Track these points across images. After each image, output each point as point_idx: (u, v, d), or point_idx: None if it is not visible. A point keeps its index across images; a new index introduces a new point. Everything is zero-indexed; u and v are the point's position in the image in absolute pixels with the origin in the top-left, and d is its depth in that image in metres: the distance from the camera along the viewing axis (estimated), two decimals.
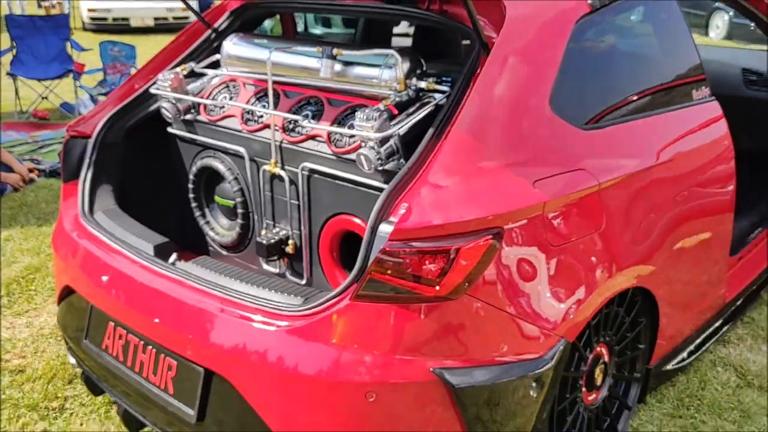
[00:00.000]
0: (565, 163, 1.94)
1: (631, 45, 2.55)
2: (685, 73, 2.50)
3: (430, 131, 1.83)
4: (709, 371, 2.73)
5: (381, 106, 1.97)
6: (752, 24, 3.24)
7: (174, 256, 2.15)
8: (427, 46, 2.68)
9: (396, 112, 2.01)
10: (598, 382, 2.19)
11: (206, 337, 1.87)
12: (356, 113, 1.95)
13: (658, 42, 2.60)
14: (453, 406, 1.71)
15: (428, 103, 2.04)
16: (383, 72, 2.07)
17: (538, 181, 1.83)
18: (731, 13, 8.64)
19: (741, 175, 3.82)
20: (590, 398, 2.19)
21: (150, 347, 2.02)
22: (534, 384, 1.80)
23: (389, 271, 1.64)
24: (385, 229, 1.66)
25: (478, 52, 1.94)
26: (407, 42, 2.94)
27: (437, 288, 1.65)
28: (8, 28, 6.79)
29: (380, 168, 1.90)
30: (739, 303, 3.04)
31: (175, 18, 12.28)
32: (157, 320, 1.99)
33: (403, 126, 1.96)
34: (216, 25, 2.72)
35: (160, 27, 12.07)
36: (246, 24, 2.72)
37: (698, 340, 2.72)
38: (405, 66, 2.05)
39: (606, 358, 2.21)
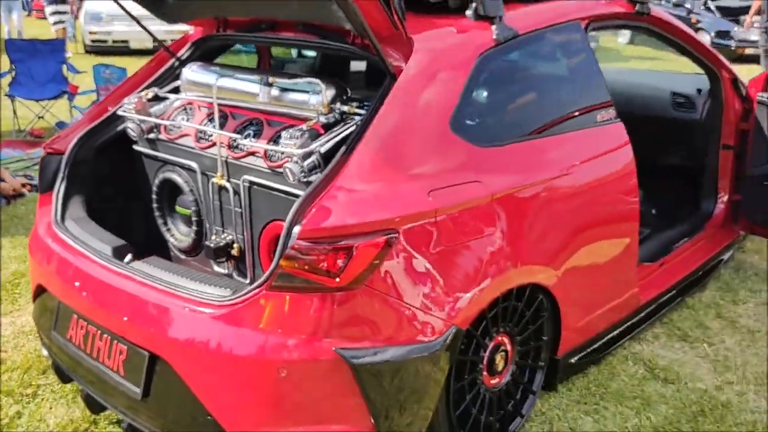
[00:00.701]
0: (462, 176, 2.25)
1: (534, 74, 2.86)
2: (587, 98, 2.81)
3: (342, 148, 2.15)
4: (620, 364, 3.02)
5: (304, 126, 2.30)
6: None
7: (129, 256, 2.46)
8: (371, 74, 3.01)
9: (322, 131, 2.34)
10: (500, 368, 2.48)
11: (150, 324, 2.19)
12: (282, 132, 2.28)
13: (561, 71, 2.91)
14: (354, 382, 2.01)
15: (350, 124, 2.36)
16: (311, 97, 2.39)
17: (433, 191, 2.14)
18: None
19: (670, 190, 4.15)
20: (493, 382, 2.49)
21: (105, 335, 2.33)
22: (428, 364, 2.10)
23: (297, 265, 1.96)
24: (297, 230, 1.98)
25: (389, 81, 2.27)
26: None
27: (338, 280, 1.96)
28: (8, 51, 7.18)
29: (304, 179, 2.21)
30: (657, 305, 3.33)
31: (173, 41, 12.67)
32: (111, 311, 2.30)
33: (324, 144, 2.28)
34: (179, 54, 3.06)
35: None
36: (206, 54, 3.06)
37: (610, 337, 3.02)
38: (329, 92, 2.38)
39: (508, 347, 2.51)
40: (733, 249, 4.03)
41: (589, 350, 2.90)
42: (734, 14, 11.55)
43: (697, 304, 3.53)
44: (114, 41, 12.25)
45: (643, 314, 3.23)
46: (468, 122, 2.35)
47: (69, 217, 2.73)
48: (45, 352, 2.77)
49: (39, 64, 7.30)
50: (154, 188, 2.88)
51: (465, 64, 2.38)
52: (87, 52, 12.43)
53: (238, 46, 4.05)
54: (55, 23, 10.67)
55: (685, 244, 3.71)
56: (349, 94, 2.47)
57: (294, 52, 5.18)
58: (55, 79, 7.39)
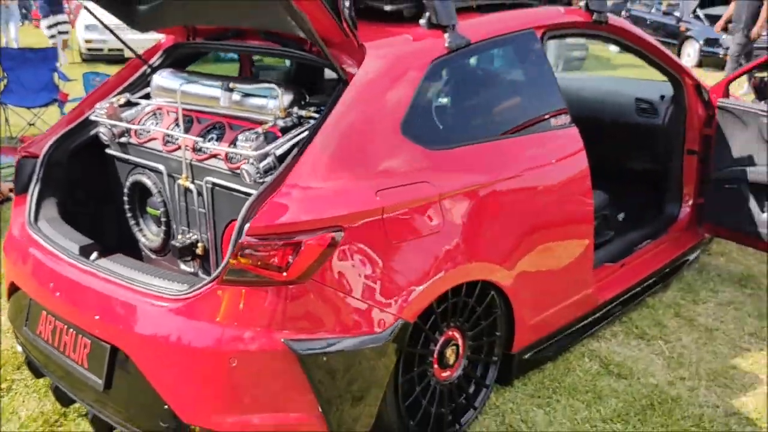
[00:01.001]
0: (410, 176, 2.36)
1: (485, 81, 2.98)
2: (540, 104, 2.92)
3: (294, 150, 2.26)
4: (576, 360, 3.11)
5: (260, 129, 2.41)
6: None
7: (95, 254, 2.56)
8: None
9: (279, 134, 2.45)
10: (451, 361, 2.58)
11: (111, 318, 2.29)
12: (239, 136, 2.39)
13: (513, 78, 3.02)
14: (302, 372, 2.11)
15: (306, 127, 2.46)
16: (269, 102, 2.51)
17: (380, 190, 2.25)
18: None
19: (637, 194, 4.25)
20: (444, 375, 2.59)
21: (71, 330, 2.43)
22: (374, 356, 2.20)
23: (246, 261, 2.06)
24: (246, 227, 2.08)
25: (341, 86, 2.38)
26: None
27: (285, 274, 2.07)
28: (0, 60, 7.30)
29: (260, 180, 2.32)
30: (616, 304, 3.43)
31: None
32: (76, 307, 2.41)
33: (280, 146, 2.39)
34: (151, 61, 3.17)
35: None
36: (177, 61, 3.17)
37: (567, 334, 3.11)
38: (286, 98, 2.49)
39: (459, 342, 2.61)
40: (698, 251, 4.14)
41: (543, 347, 3.00)
42: None
43: (657, 303, 3.63)
44: (110, 50, 12.38)
45: (601, 313, 3.33)
46: (419, 126, 2.46)
47: (42, 217, 2.83)
48: (19, 349, 2.87)
49: (30, 73, 7.41)
50: (126, 190, 2.99)
51: (416, 70, 2.50)
52: (83, 60, 12.58)
53: (224, 55, 4.18)
54: (52, 36, 10.75)
55: (648, 246, 3.82)
56: (307, 100, 2.58)
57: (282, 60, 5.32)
58: (46, 87, 7.50)
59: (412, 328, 2.36)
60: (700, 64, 11.97)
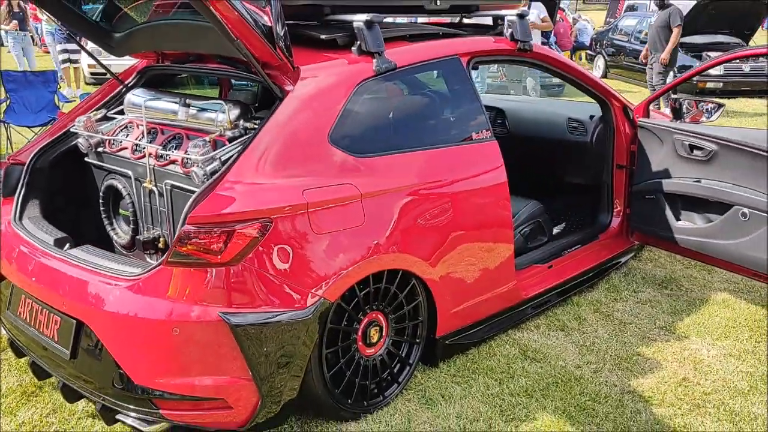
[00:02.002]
0: (336, 179, 2.77)
1: (408, 99, 3.39)
2: (461, 121, 3.34)
3: (234, 155, 2.68)
4: (498, 347, 3.49)
5: (207, 138, 2.84)
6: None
7: (67, 245, 2.98)
8: None
9: (227, 142, 2.87)
10: (375, 339, 2.97)
11: (77, 297, 2.69)
12: (189, 144, 2.82)
13: (435, 98, 3.44)
14: (233, 340, 2.50)
15: (248, 136, 2.88)
16: (217, 115, 2.93)
17: (307, 189, 2.66)
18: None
19: (572, 204, 4.67)
20: (369, 351, 2.97)
21: (45, 309, 2.83)
22: (297, 328, 2.59)
23: (187, 246, 2.47)
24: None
25: (278, 101, 2.81)
26: None
27: (219, 257, 2.47)
28: (3, 82, 7.80)
29: (207, 181, 2.73)
30: (542, 300, 3.82)
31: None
32: (49, 289, 2.81)
33: (225, 152, 2.81)
34: (127, 81, 3.62)
35: None
36: (149, 81, 3.61)
37: (490, 324, 3.50)
38: (233, 112, 2.91)
39: (383, 323, 3.00)
40: (628, 256, 4.53)
41: (467, 333, 3.39)
42: (696, 50, 12.15)
43: (581, 301, 4.01)
44: (113, 74, 12.92)
45: (525, 307, 3.72)
46: (346, 136, 2.88)
47: (26, 216, 3.26)
48: (3, 332, 3.27)
49: (32, 94, 7.92)
50: (101, 193, 3.41)
51: (345, 89, 2.93)
52: (86, 83, 13.11)
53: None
54: (64, 61, 11.16)
55: (577, 251, 4.22)
56: (253, 114, 3.01)
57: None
58: (47, 107, 7.99)
59: (336, 307, 2.76)
60: (674, 91, 12.39)
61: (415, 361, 3.18)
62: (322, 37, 3.11)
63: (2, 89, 7.85)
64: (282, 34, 2.72)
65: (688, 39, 12.08)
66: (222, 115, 2.92)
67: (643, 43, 13.66)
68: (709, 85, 12.03)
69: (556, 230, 4.56)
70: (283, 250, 2.58)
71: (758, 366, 3.35)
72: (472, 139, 3.35)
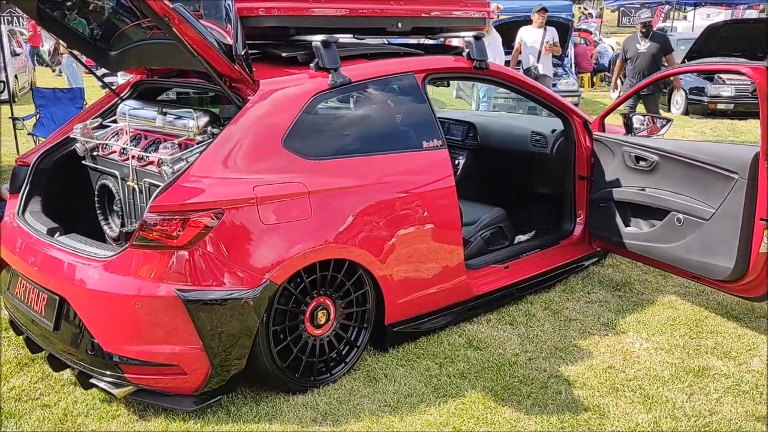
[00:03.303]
0: (287, 177, 3.16)
1: (360, 111, 3.74)
2: (411, 130, 3.70)
3: (196, 155, 3.10)
4: (447, 336, 3.81)
5: (176, 141, 3.26)
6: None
7: (57, 234, 3.41)
8: None
9: (195, 144, 3.29)
10: (321, 321, 3.33)
11: (60, 276, 3.13)
12: (160, 146, 3.24)
13: (387, 110, 3.78)
14: (187, 313, 2.88)
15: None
16: (188, 122, 3.36)
17: (258, 186, 3.06)
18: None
19: (535, 212, 4.98)
20: (317, 332, 3.33)
21: (36, 288, 3.27)
22: (244, 306, 2.96)
23: (149, 231, 2.88)
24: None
25: (236, 109, 3.22)
26: None
27: (176, 241, 2.87)
28: (34, 98, 8.45)
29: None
30: (495, 297, 4.13)
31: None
32: (40, 271, 3.25)
33: (192, 154, 3.22)
34: (122, 94, 4.08)
35: None
36: (141, 93, 4.07)
37: (440, 315, 3.82)
38: (202, 119, 3.33)
39: (331, 308, 3.36)
40: (590, 261, 4.81)
41: (416, 323, 3.72)
42: (709, 73, 12.32)
43: (535, 299, 4.31)
44: (109, 86, 13.57)
45: (478, 302, 4.03)
46: (298, 142, 3.26)
47: (28, 211, 3.71)
48: (5, 312, 3.73)
49: (60, 109, 8.54)
50: (96, 192, 3.85)
51: (299, 100, 3.33)
52: None
53: None
54: (104, 86, 11.71)
55: (535, 254, 4.52)
56: (221, 121, 3.43)
57: None
58: None
59: (283, 290, 3.14)
60: (687, 112, 12.59)
61: (363, 344, 3.52)
62: (283, 54, 3.52)
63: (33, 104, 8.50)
64: (242, 51, 3.13)
65: (699, 62, 12.28)
66: (192, 122, 3.34)
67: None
68: (720, 106, 12.18)
69: (523, 237, 4.87)
70: (232, 237, 2.97)
71: (684, 359, 3.60)
72: (423, 147, 3.70)
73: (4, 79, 13.73)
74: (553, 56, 10.38)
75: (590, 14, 35.95)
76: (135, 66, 3.99)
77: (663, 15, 25.20)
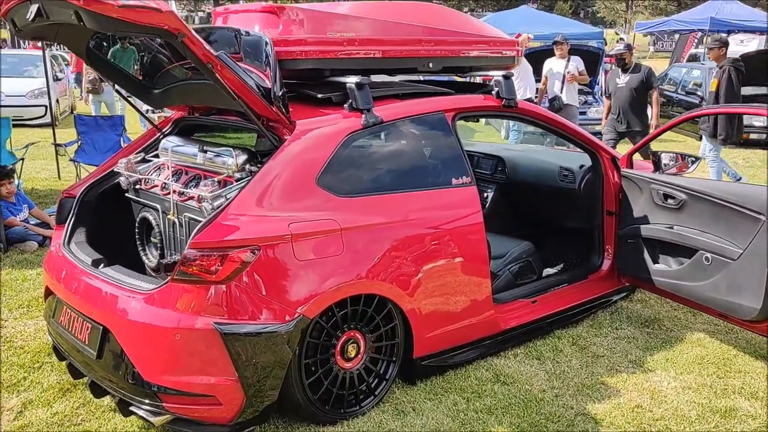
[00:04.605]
0: (320, 215, 3.28)
1: (391, 149, 3.86)
2: (440, 168, 3.81)
3: (234, 193, 3.24)
4: (474, 371, 3.87)
5: (216, 178, 3.41)
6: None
7: (102, 265, 3.57)
8: None
9: (234, 182, 3.43)
10: (352, 355, 3.42)
11: (103, 307, 3.27)
12: (201, 183, 3.39)
13: (417, 148, 3.89)
14: (223, 346, 3.00)
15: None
16: (228, 160, 3.50)
17: (293, 223, 3.18)
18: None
19: (564, 246, 5.04)
20: (347, 365, 3.42)
21: (80, 317, 3.42)
22: (278, 339, 3.07)
23: (189, 266, 3.01)
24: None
25: (274, 149, 3.36)
26: None
27: (215, 276, 3.00)
28: (76, 125, 8.76)
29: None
30: (523, 331, 4.18)
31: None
32: (84, 301, 3.40)
33: (231, 191, 3.36)
34: (164, 129, 4.26)
35: None
36: (182, 130, 4.24)
37: (468, 349, 3.89)
38: (241, 158, 3.48)
39: (361, 341, 3.45)
40: (618, 297, 4.83)
41: (444, 357, 3.79)
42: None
43: (563, 334, 4.34)
44: (152, 122, 13.94)
45: (505, 336, 4.09)
46: (331, 179, 3.39)
47: (73, 241, 3.88)
48: (49, 338, 3.89)
49: (101, 136, 8.84)
50: (136, 224, 4.01)
51: (334, 140, 3.46)
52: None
53: None
54: (147, 110, 11.87)
55: (563, 288, 4.57)
56: (259, 159, 3.57)
57: None
58: (113, 148, 8.85)
59: (315, 324, 3.24)
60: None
61: (391, 377, 3.60)
62: (318, 96, 3.66)
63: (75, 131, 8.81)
64: (280, 93, 3.28)
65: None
66: (231, 160, 3.49)
67: (690, 93, 13.85)
68: (753, 136, 12.08)
69: (551, 270, 4.93)
70: (268, 273, 3.09)
71: (712, 399, 3.61)
72: (452, 184, 3.80)
73: (47, 103, 14.35)
74: (582, 84, 10.40)
75: (621, 39, 35.94)
76: (177, 104, 4.17)
77: (696, 41, 25.06)
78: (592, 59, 12.82)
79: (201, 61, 2.98)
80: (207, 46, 2.96)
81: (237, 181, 3.44)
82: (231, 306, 3.04)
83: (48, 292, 3.84)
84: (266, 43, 3.29)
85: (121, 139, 8.98)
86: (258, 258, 3.06)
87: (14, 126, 8.89)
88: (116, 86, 4.15)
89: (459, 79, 5.14)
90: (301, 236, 3.18)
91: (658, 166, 4.54)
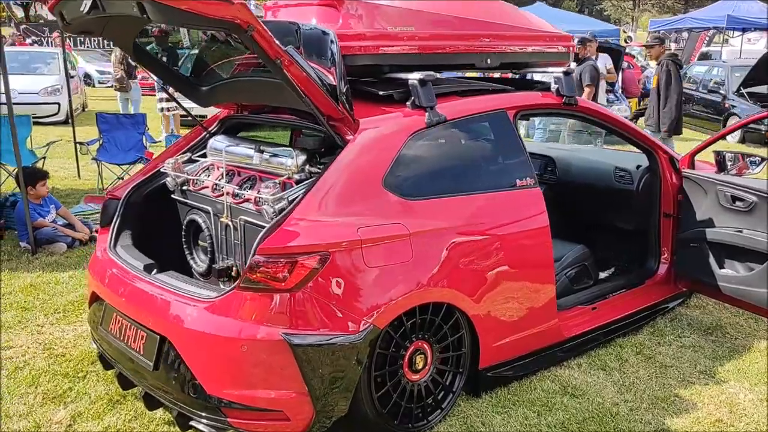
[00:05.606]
0: (387, 218, 3.10)
1: (455, 149, 3.69)
2: (505, 169, 3.64)
3: (299, 196, 3.06)
4: (540, 382, 3.70)
5: (277, 180, 3.23)
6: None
7: (155, 270, 3.40)
8: None
9: (294, 184, 3.26)
10: (419, 366, 3.24)
11: (161, 315, 3.10)
12: (262, 185, 3.22)
13: (481, 147, 3.74)
14: (293, 357, 2.83)
15: (313, 179, 3.25)
16: (287, 161, 3.33)
17: (361, 227, 3.00)
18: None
19: (619, 249, 4.86)
20: (414, 377, 3.25)
21: (134, 326, 3.25)
22: (349, 351, 2.90)
23: (256, 273, 2.84)
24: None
25: (339, 149, 3.18)
26: None
27: (284, 284, 2.83)
28: (98, 123, 8.58)
29: (275, 218, 3.11)
30: (584, 340, 4.01)
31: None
32: (138, 308, 3.23)
33: (292, 193, 3.19)
34: (210, 128, 4.09)
35: None
36: (229, 128, 4.07)
37: (532, 359, 3.72)
38: (300, 158, 3.30)
39: (428, 352, 3.28)
40: (675, 303, 4.65)
41: (509, 367, 3.62)
42: (766, 101, 12.04)
43: (624, 342, 4.17)
44: (194, 116, 13.73)
45: (568, 345, 3.92)
46: (397, 181, 3.21)
47: (119, 244, 3.71)
48: (94, 345, 3.72)
49: (122, 135, 8.66)
50: (183, 226, 3.84)
51: (398, 139, 3.28)
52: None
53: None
54: (162, 109, 11.77)
55: (622, 294, 4.39)
56: (318, 159, 3.39)
57: None
58: (135, 147, 8.70)
59: (384, 334, 3.07)
60: (743, 140, 12.31)
61: (458, 390, 3.43)
62: (380, 93, 3.48)
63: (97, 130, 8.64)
64: (344, 91, 3.11)
65: (757, 89, 12.05)
66: (290, 161, 3.31)
67: (712, 92, 13.66)
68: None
69: (603, 274, 4.75)
70: (338, 281, 2.92)
71: None
72: (516, 186, 3.63)
73: (60, 101, 14.19)
74: (606, 83, 10.22)
75: (629, 38, 35.66)
76: (226, 101, 4.00)
77: (707, 40, 24.82)
78: (615, 57, 12.63)
79: (269, 57, 2.81)
80: (276, 41, 2.79)
81: (297, 183, 3.27)
82: (300, 315, 2.87)
83: (94, 298, 3.67)
84: (331, 39, 3.11)
85: (144, 137, 8.81)
86: (327, 265, 2.89)
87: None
88: (164, 83, 3.98)
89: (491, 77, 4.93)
90: (371, 241, 3.01)
91: (722, 167, 4.37)
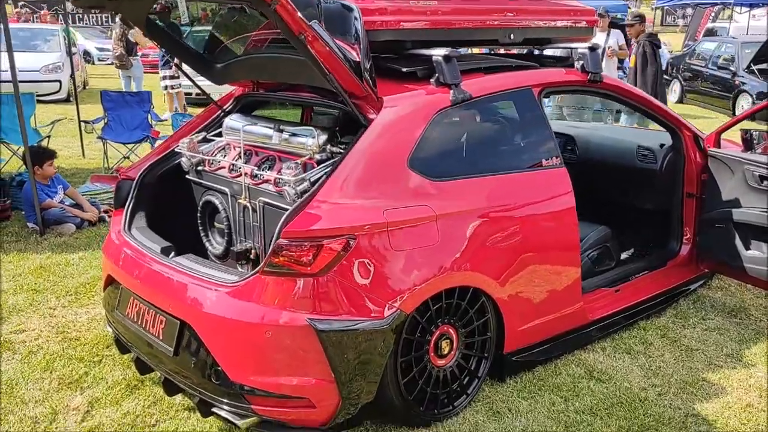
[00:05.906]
0: (413, 200, 3.01)
1: (481, 127, 3.58)
2: (531, 148, 3.53)
3: (322, 176, 2.96)
4: (564, 366, 3.62)
5: (299, 161, 3.12)
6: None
7: (172, 253, 3.30)
8: None
9: (315, 164, 3.16)
10: (445, 351, 3.17)
11: (182, 300, 3.01)
12: (283, 165, 3.11)
13: (507, 126, 3.63)
14: (319, 344, 2.75)
15: (335, 159, 3.15)
16: (308, 140, 3.22)
17: (387, 209, 2.91)
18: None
19: (641, 230, 4.76)
20: (440, 363, 3.17)
21: (152, 310, 3.16)
22: (376, 336, 2.82)
23: (280, 257, 2.75)
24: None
25: (362, 128, 3.07)
26: None
27: (309, 268, 2.74)
28: (102, 101, 8.44)
29: (297, 199, 3.01)
30: (608, 323, 3.93)
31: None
32: (157, 292, 3.15)
33: (314, 174, 3.08)
34: (225, 107, 3.97)
35: None
36: (244, 107, 3.95)
37: (556, 343, 3.64)
38: (322, 137, 3.19)
39: (453, 337, 3.20)
40: (698, 284, 4.57)
41: (533, 351, 3.54)
42: None
43: (648, 325, 4.09)
44: (197, 94, 13.59)
45: (592, 329, 3.84)
46: (423, 161, 3.11)
47: (134, 226, 3.62)
48: (109, 329, 3.64)
49: (128, 113, 8.52)
50: (199, 208, 3.74)
51: (423, 118, 3.17)
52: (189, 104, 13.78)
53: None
54: (166, 87, 11.48)
55: (645, 276, 4.31)
56: (339, 139, 3.28)
57: None
58: (141, 125, 8.56)
59: (410, 319, 2.98)
60: (753, 118, 12.13)
61: (484, 375, 3.36)
62: (404, 69, 3.36)
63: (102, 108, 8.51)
64: (368, 67, 2.99)
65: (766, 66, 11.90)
66: (312, 140, 3.21)
67: (722, 68, 13.48)
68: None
69: (624, 255, 4.66)
70: (364, 265, 2.83)
71: None
72: (542, 166, 3.53)
73: (61, 78, 14.02)
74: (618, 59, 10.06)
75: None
76: (242, 79, 3.88)
77: (713, 16, 24.48)
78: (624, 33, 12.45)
79: (292, 32, 2.69)
80: (300, 16, 2.66)
81: (318, 163, 3.16)
82: (325, 300, 2.79)
83: (109, 281, 3.58)
84: (355, 16, 2.99)
85: (149, 116, 8.67)
86: (354, 248, 2.80)
87: None
88: (178, 60, 3.86)
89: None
90: (397, 224, 2.91)
91: (749, 146, 4.26)
